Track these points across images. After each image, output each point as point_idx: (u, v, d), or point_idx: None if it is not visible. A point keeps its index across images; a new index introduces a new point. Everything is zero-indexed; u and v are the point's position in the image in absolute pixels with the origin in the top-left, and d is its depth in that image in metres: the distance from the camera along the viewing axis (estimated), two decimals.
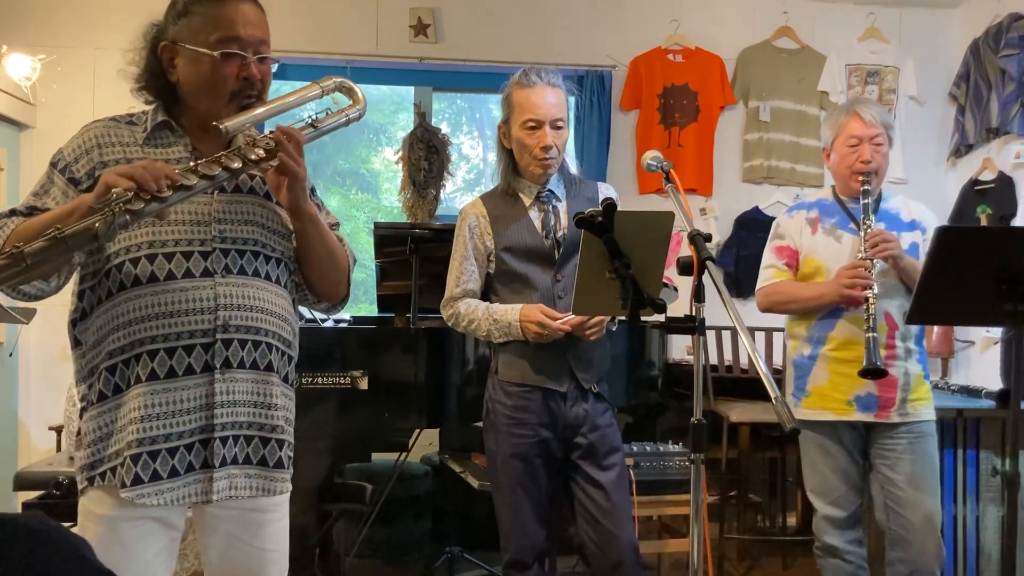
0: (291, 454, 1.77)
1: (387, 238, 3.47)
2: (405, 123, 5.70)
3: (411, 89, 4.96)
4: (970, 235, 2.35)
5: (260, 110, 1.67)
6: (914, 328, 2.68)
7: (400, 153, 4.79)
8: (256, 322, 1.68)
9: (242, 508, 1.70)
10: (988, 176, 4.49)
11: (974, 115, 4.62)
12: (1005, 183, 4.40)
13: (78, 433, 1.67)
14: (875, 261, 2.55)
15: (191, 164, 1.56)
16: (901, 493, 2.63)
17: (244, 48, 1.66)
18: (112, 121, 1.72)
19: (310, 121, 1.75)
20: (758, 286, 2.84)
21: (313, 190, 1.86)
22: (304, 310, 3.81)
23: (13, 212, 1.61)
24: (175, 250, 1.63)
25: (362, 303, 8.13)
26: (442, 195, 4.83)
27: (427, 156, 4.72)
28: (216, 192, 1.67)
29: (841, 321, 2.66)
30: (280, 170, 1.65)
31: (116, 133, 1.69)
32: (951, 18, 4.99)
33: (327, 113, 1.79)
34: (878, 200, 2.73)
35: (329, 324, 3.99)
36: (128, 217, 1.43)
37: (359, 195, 8.44)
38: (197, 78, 1.66)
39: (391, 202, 7.62)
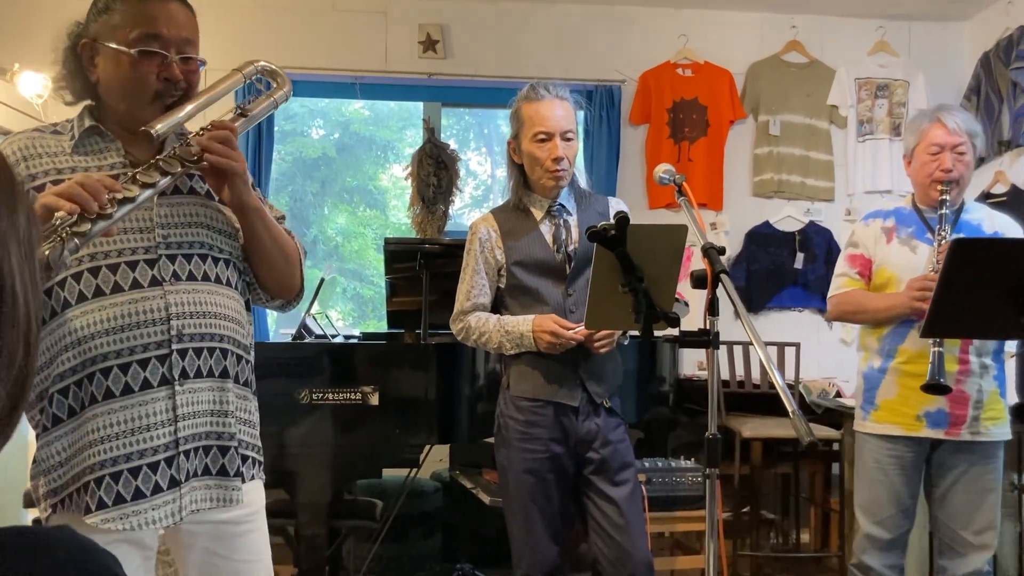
0: (256, 458, 1.72)
1: (397, 254, 3.47)
2: (413, 139, 5.72)
3: (420, 105, 4.97)
4: (985, 248, 2.31)
5: (188, 107, 1.58)
6: (992, 344, 2.56)
7: (409, 169, 4.80)
8: (211, 328, 1.60)
9: (215, 522, 1.63)
10: (1000, 189, 4.47)
11: (985, 128, 4.60)
12: (1017, 196, 4.37)
13: (34, 461, 1.57)
14: None
15: (129, 173, 1.49)
16: (955, 525, 2.57)
17: (166, 47, 1.56)
18: (35, 132, 1.63)
19: (239, 110, 1.68)
20: (829, 294, 2.78)
21: (255, 184, 1.77)
22: (314, 326, 3.81)
23: None
24: (118, 260, 1.54)
25: (371, 319, 8.15)
26: (451, 211, 4.83)
27: (436, 172, 4.73)
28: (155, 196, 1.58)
29: (912, 333, 2.55)
30: (217, 166, 1.57)
31: (42, 144, 1.60)
32: (961, 31, 4.98)
33: (254, 99, 1.73)
34: (959, 211, 2.64)
35: (339, 340, 3.98)
36: (77, 241, 1.34)
37: (367, 212, 8.47)
38: (116, 78, 1.57)
39: (399, 218, 7.64)
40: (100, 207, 1.37)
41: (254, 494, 1.70)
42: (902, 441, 2.59)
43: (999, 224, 2.65)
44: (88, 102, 1.65)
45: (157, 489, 1.54)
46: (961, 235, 2.57)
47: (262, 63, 1.77)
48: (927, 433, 2.56)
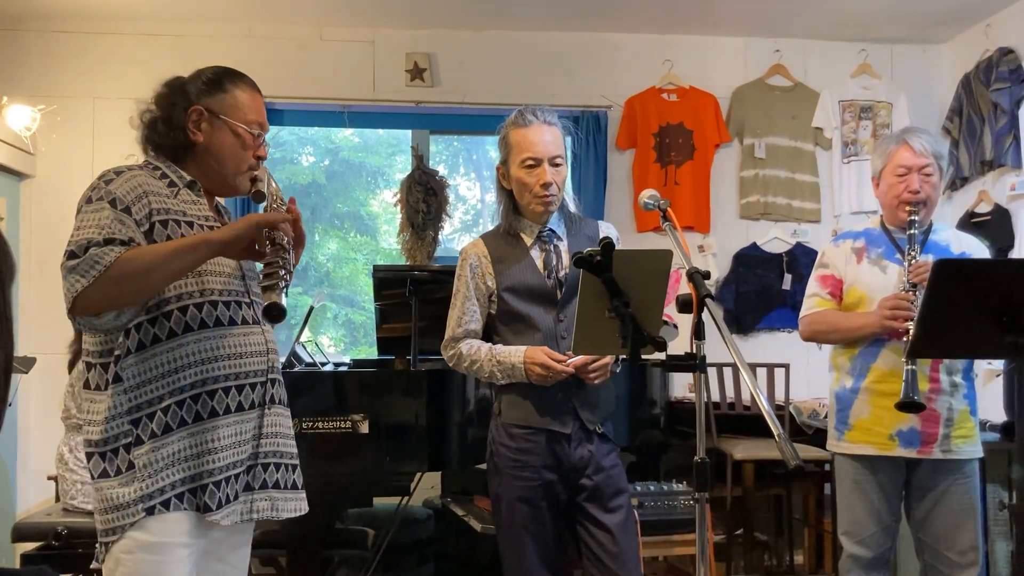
0: None
1: (387, 280, 3.48)
2: (403, 165, 5.75)
3: (408, 132, 5.00)
4: (969, 268, 2.34)
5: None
6: (961, 362, 2.59)
7: (398, 195, 4.82)
8: (280, 363, 1.96)
9: (240, 531, 1.88)
10: (984, 208, 4.51)
11: (968, 148, 4.66)
12: (1001, 215, 4.42)
13: (128, 467, 1.73)
14: (918, 293, 2.47)
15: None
16: (939, 546, 2.58)
17: (263, 133, 1.94)
18: (143, 170, 1.84)
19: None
20: (801, 314, 2.81)
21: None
22: (304, 354, 3.81)
23: (109, 241, 1.68)
24: (218, 299, 1.82)
25: (363, 345, 8.13)
26: (440, 237, 4.84)
27: (425, 198, 4.75)
28: None
29: (884, 352, 2.59)
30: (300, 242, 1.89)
31: (154, 183, 1.82)
32: (941, 53, 5.05)
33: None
34: (928, 232, 2.68)
35: (329, 367, 3.98)
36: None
37: (358, 237, 8.48)
38: (227, 148, 1.87)
39: (390, 244, 7.65)
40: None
41: None
42: (877, 460, 2.61)
43: (966, 245, 2.70)
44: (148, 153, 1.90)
45: (244, 489, 1.84)
46: (930, 257, 2.58)
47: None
48: (900, 452, 2.58)
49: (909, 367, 2.41)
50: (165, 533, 1.72)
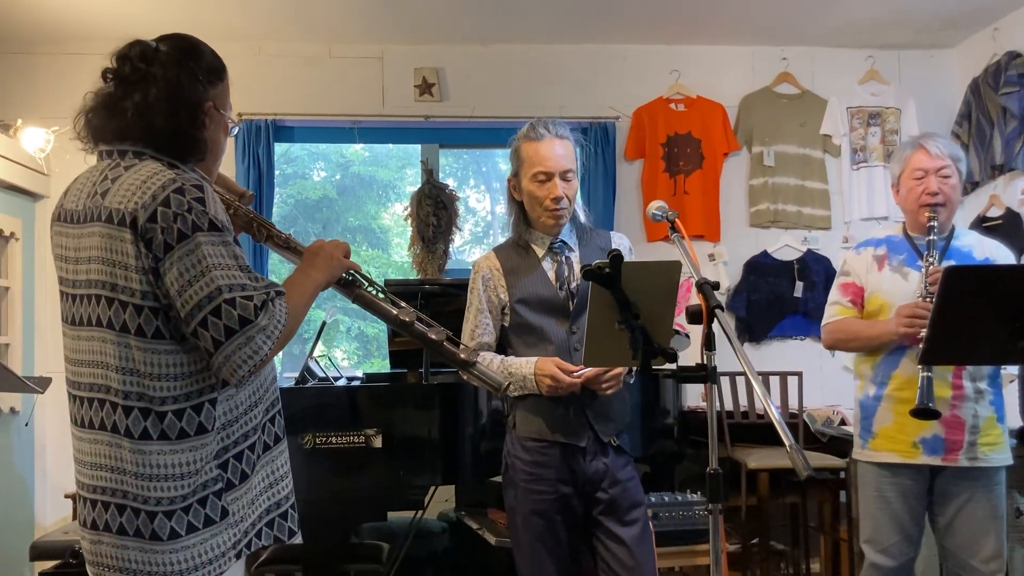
0: None
1: (398, 295, 3.48)
2: (413, 178, 5.76)
3: (418, 147, 5.03)
4: (980, 274, 2.33)
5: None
6: (986, 368, 2.56)
7: (408, 209, 4.84)
8: None
9: None
10: (995, 212, 4.49)
11: (978, 153, 4.64)
12: (1013, 219, 4.40)
13: (223, 515, 1.58)
14: None
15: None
16: (962, 555, 2.56)
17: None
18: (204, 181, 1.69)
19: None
20: (823, 322, 2.81)
21: None
22: (317, 369, 3.82)
23: (280, 293, 1.61)
24: None
25: (376, 357, 8.15)
26: (451, 249, 4.86)
27: (435, 212, 4.77)
28: None
29: (905, 360, 2.57)
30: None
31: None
32: (949, 58, 5.04)
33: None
34: (950, 237, 2.67)
35: (342, 382, 3.99)
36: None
37: (369, 251, 8.51)
38: (219, 143, 1.73)
39: (401, 257, 7.68)
40: None
41: None
42: (901, 468, 2.59)
43: (989, 250, 2.67)
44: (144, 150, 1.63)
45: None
46: (952, 263, 2.58)
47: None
48: (924, 460, 2.55)
49: (925, 374, 2.39)
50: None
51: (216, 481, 1.58)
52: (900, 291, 2.62)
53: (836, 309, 2.75)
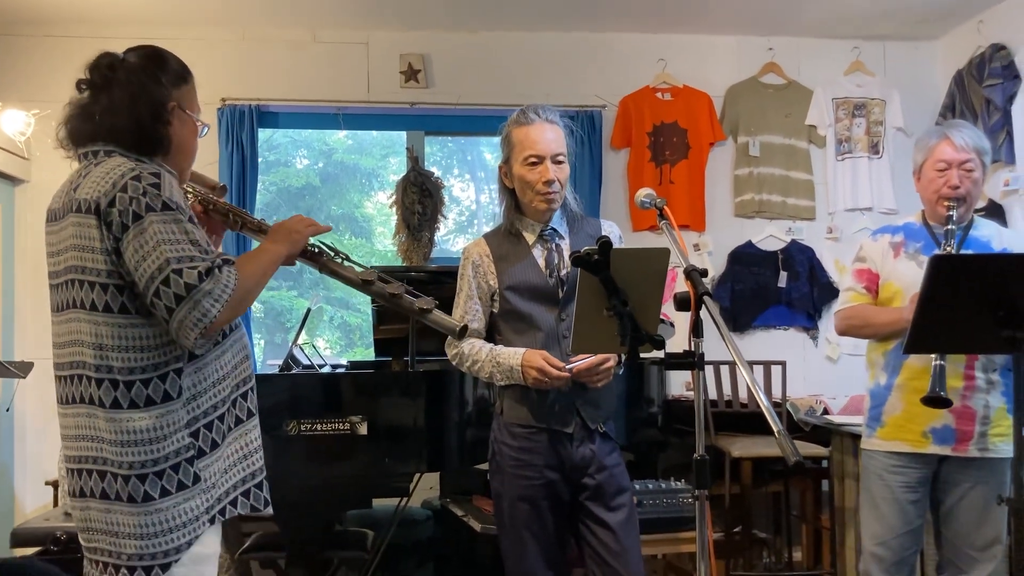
0: None
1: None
2: (397, 167, 5.75)
3: (403, 134, 5.01)
4: (965, 263, 2.34)
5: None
6: (998, 359, 2.55)
7: (393, 197, 4.82)
8: None
9: None
10: (978, 204, 4.52)
11: None
12: (995, 210, 4.43)
13: (195, 480, 1.71)
14: None
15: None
16: (959, 542, 2.58)
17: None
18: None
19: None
20: (836, 308, 2.81)
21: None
22: (301, 356, 3.81)
23: (227, 261, 1.70)
24: None
25: (358, 347, 8.13)
26: (436, 238, 4.84)
27: (421, 199, 4.75)
28: None
29: None
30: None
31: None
32: (934, 50, 5.06)
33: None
34: (968, 227, 2.65)
35: (327, 369, 3.98)
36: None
37: (353, 240, 8.48)
38: (188, 142, 1.85)
39: (385, 246, 7.65)
40: None
41: None
42: (908, 458, 2.59)
43: (1007, 240, 2.66)
44: (105, 146, 1.77)
45: None
46: (973, 252, 2.57)
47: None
48: (934, 450, 2.55)
49: (938, 362, 2.38)
50: (211, 544, 1.75)
51: (188, 449, 1.70)
52: (915, 279, 2.55)
53: (850, 295, 2.74)
